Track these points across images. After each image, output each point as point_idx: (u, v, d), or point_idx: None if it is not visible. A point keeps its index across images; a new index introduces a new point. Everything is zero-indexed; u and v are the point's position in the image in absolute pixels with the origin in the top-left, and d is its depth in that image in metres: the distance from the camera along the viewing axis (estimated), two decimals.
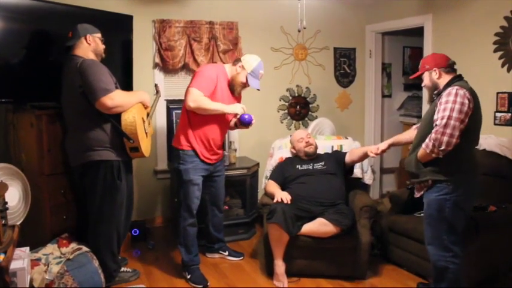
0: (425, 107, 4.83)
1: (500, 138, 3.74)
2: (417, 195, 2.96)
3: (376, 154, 3.44)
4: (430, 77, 2.86)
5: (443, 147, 2.60)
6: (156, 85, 3.94)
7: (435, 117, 2.67)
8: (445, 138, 2.58)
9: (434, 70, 2.83)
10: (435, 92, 2.86)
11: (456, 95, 2.61)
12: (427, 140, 2.68)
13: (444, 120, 2.58)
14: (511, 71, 3.90)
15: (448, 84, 2.76)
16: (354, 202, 3.68)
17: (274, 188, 3.75)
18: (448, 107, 2.60)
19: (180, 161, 3.44)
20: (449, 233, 2.78)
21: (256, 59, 3.46)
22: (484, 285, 3.29)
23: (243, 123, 3.47)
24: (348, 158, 3.80)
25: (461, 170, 2.73)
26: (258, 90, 3.54)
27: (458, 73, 2.85)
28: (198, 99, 3.25)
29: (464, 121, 2.61)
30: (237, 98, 3.60)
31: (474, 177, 2.84)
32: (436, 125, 2.64)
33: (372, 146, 3.55)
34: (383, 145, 3.41)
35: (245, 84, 3.48)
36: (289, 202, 3.46)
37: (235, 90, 3.49)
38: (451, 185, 2.72)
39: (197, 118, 3.37)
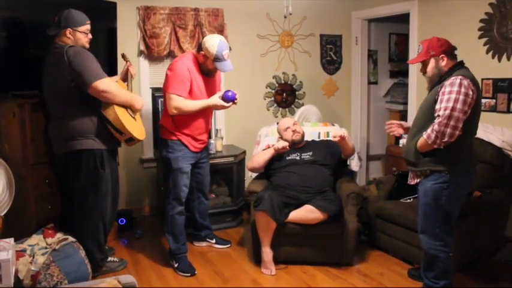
0: (412, 93, 4.85)
1: (485, 124, 3.76)
2: (412, 182, 2.92)
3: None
4: (436, 64, 2.74)
5: (446, 139, 2.56)
6: (123, 54, 3.72)
7: (437, 106, 2.61)
8: (449, 130, 2.54)
9: (442, 57, 2.72)
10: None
11: (460, 85, 2.55)
12: (428, 131, 2.63)
13: (448, 112, 2.53)
14: (495, 57, 3.92)
15: (451, 72, 2.68)
16: (340, 189, 3.70)
17: (263, 152, 3.86)
18: (452, 97, 2.54)
19: (168, 150, 3.43)
20: (443, 222, 2.77)
21: (214, 42, 3.25)
22: (467, 268, 3.35)
23: (227, 100, 3.38)
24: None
25: (460, 160, 2.70)
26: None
27: (459, 59, 2.76)
28: (179, 106, 3.27)
29: (467, 112, 2.57)
30: (213, 80, 3.55)
31: (472, 167, 2.81)
32: (438, 115, 2.58)
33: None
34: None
35: (216, 69, 3.40)
36: (287, 147, 3.71)
37: (209, 74, 3.45)
38: (449, 174, 2.69)
39: (181, 117, 3.37)
